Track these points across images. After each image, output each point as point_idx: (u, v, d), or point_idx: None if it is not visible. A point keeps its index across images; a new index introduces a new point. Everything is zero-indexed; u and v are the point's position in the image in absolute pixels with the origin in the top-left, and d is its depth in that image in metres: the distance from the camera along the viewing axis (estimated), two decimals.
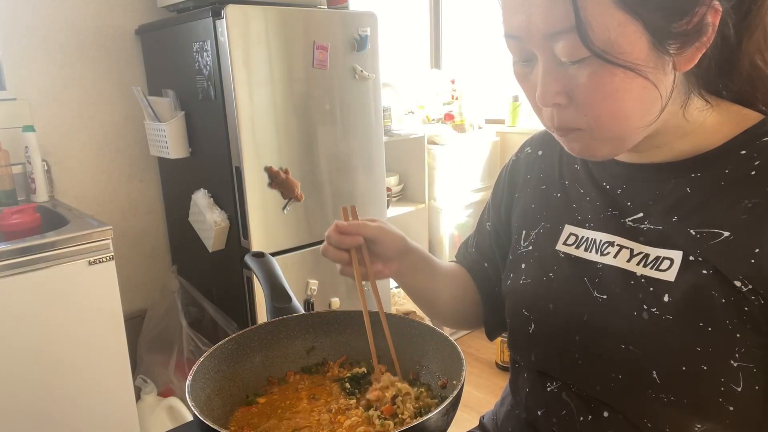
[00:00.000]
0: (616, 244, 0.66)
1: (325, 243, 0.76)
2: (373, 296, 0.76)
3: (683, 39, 0.55)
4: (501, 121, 2.96)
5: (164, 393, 2.07)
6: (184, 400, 1.76)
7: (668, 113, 0.60)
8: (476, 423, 0.91)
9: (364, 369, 0.76)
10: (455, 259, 0.96)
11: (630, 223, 0.66)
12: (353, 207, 0.79)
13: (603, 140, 0.60)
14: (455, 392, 0.59)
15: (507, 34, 0.60)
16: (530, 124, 2.87)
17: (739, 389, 0.56)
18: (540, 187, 0.80)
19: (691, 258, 0.59)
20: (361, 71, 2.12)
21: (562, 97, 0.58)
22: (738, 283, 0.56)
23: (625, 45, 0.53)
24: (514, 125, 2.87)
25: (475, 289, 0.90)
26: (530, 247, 0.77)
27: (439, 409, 0.56)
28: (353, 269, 0.75)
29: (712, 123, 0.63)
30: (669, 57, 0.55)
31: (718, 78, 0.63)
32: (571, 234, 0.72)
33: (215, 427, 0.55)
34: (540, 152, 0.83)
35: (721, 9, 0.55)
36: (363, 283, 0.75)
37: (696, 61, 0.57)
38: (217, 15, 1.78)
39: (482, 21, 3.04)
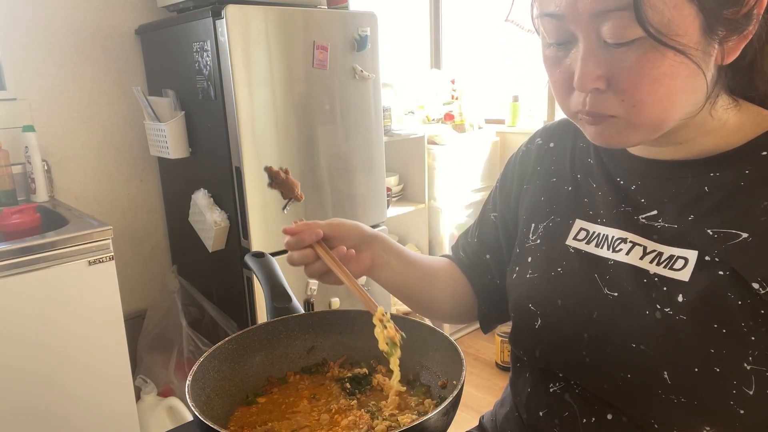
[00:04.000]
0: (628, 240, 0.65)
1: (288, 254, 0.76)
2: (326, 260, 0.75)
3: (732, 27, 0.54)
4: (501, 121, 2.96)
5: (164, 393, 2.07)
6: (184, 400, 1.76)
7: (695, 111, 0.60)
8: (476, 423, 0.91)
9: (364, 369, 0.76)
10: (451, 252, 0.95)
11: (643, 221, 0.65)
12: (300, 220, 0.78)
13: (637, 127, 0.58)
14: (455, 392, 0.58)
15: (545, 13, 0.58)
16: (530, 124, 2.87)
17: (751, 392, 0.56)
18: (550, 179, 0.78)
19: (707, 258, 0.59)
20: (361, 71, 2.12)
21: (601, 81, 0.56)
22: (755, 285, 0.55)
23: (679, 27, 0.52)
24: (514, 125, 2.87)
25: (465, 280, 0.89)
26: (538, 241, 0.76)
27: (439, 409, 0.56)
28: (325, 261, 0.74)
29: (734, 122, 0.62)
30: (716, 44, 0.55)
31: (745, 77, 0.63)
32: (581, 229, 0.71)
33: (215, 427, 0.55)
34: (551, 144, 0.81)
35: (767, 1, 0.54)
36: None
37: (738, 53, 0.56)
38: (217, 15, 1.78)
39: (482, 21, 3.04)
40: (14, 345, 1.49)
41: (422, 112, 2.97)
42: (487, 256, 0.87)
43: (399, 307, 2.59)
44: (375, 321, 0.70)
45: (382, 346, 0.69)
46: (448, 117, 2.90)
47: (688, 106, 0.58)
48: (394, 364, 0.69)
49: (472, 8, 3.09)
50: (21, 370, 1.51)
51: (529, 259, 0.76)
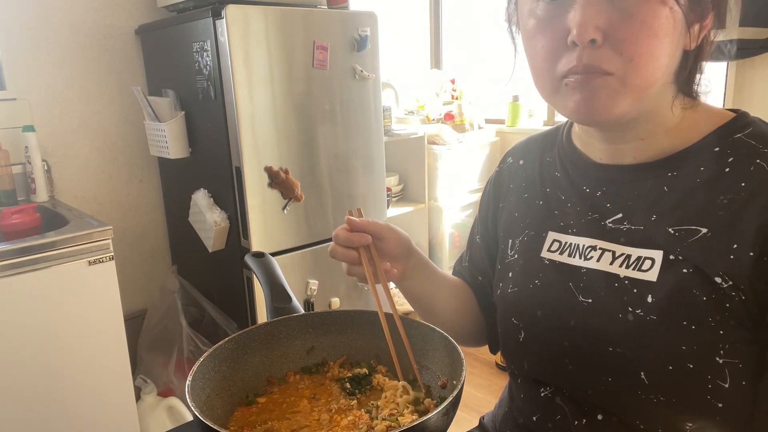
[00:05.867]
0: (598, 248, 0.67)
1: (332, 243, 0.76)
2: (385, 296, 0.76)
3: (697, 10, 0.58)
4: (501, 121, 2.96)
5: (164, 393, 2.07)
6: (184, 400, 1.76)
7: (661, 101, 0.62)
8: (476, 423, 0.91)
9: (364, 369, 0.76)
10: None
11: (611, 225, 0.66)
12: (359, 210, 0.79)
13: (629, 88, 0.58)
14: (455, 392, 0.58)
15: None
16: (530, 124, 2.87)
17: (726, 386, 0.57)
18: (523, 195, 0.80)
19: (672, 257, 0.60)
20: (361, 71, 2.12)
21: (599, 33, 0.56)
22: (718, 280, 0.56)
23: None
24: (514, 125, 2.87)
25: (476, 304, 0.90)
26: (516, 256, 0.77)
27: (439, 409, 0.56)
28: (363, 268, 0.75)
29: (690, 121, 0.65)
30: (685, 23, 0.58)
31: (689, 87, 0.65)
32: (554, 240, 0.73)
33: (215, 427, 0.55)
34: (521, 161, 0.83)
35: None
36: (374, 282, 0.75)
37: (699, 41, 0.59)
38: (217, 15, 1.78)
39: (482, 21, 3.04)
40: (14, 345, 1.49)
41: (422, 112, 2.97)
42: (480, 279, 0.89)
43: (399, 307, 2.58)
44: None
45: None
46: (448, 117, 2.90)
47: (669, 69, 0.60)
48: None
49: (472, 8, 3.09)
50: (21, 370, 1.51)
51: (510, 274, 0.77)
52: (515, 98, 2.83)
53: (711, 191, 0.60)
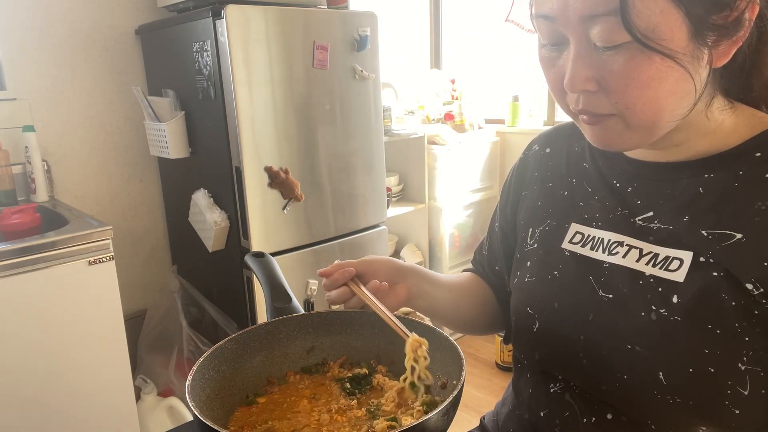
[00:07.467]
0: (625, 244, 0.66)
1: (326, 294, 0.78)
2: (361, 295, 0.76)
3: (721, 32, 0.55)
4: (501, 121, 2.96)
5: (164, 393, 2.07)
6: (184, 400, 1.76)
7: (694, 110, 0.60)
8: (476, 423, 0.91)
9: (364, 369, 0.76)
10: (471, 266, 0.97)
11: (640, 222, 0.66)
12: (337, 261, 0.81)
13: (634, 128, 0.59)
14: (455, 392, 0.58)
15: (539, 15, 0.59)
16: (530, 124, 2.87)
17: (746, 392, 0.56)
18: (547, 184, 0.79)
19: (702, 259, 0.59)
20: (361, 71, 2.12)
21: (591, 83, 0.57)
22: (749, 286, 0.56)
23: (666, 32, 0.52)
24: (514, 125, 2.87)
25: (491, 294, 0.90)
26: (535, 245, 0.77)
27: (439, 409, 0.56)
28: (359, 299, 0.76)
29: (730, 124, 0.63)
30: (706, 49, 0.55)
31: (741, 80, 0.63)
32: (577, 232, 0.72)
33: (215, 427, 0.55)
34: (548, 150, 0.82)
35: (758, 5, 0.54)
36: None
37: (730, 56, 0.57)
38: (217, 15, 1.78)
39: (482, 21, 3.04)
40: (14, 345, 1.49)
41: (422, 112, 2.97)
42: (497, 268, 0.89)
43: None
44: (407, 350, 0.68)
45: (410, 378, 0.68)
46: (448, 117, 2.90)
47: (680, 109, 0.58)
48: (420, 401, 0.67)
49: (472, 8, 3.09)
50: (21, 370, 1.51)
51: (528, 264, 0.77)
52: (515, 98, 2.83)
53: (749, 196, 0.58)
